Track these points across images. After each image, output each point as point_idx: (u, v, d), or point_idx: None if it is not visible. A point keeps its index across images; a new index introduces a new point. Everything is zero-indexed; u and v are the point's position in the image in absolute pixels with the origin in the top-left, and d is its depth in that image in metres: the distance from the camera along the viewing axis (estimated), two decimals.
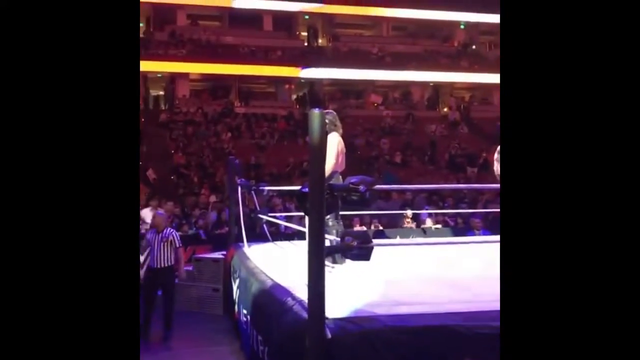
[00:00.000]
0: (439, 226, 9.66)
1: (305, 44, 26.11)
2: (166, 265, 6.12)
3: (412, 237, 7.95)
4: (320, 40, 26.53)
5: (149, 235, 6.27)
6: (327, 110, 4.94)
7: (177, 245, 6.24)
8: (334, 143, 4.54)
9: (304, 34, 26.59)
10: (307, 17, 26.20)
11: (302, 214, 4.89)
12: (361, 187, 3.00)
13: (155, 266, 6.12)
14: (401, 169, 17.79)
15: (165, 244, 6.11)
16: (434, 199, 12.43)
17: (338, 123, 4.79)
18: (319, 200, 2.67)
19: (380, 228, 9.26)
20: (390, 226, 9.66)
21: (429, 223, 10.00)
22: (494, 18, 26.84)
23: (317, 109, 2.69)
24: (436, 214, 10.17)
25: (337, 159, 4.58)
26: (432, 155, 19.43)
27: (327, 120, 4.86)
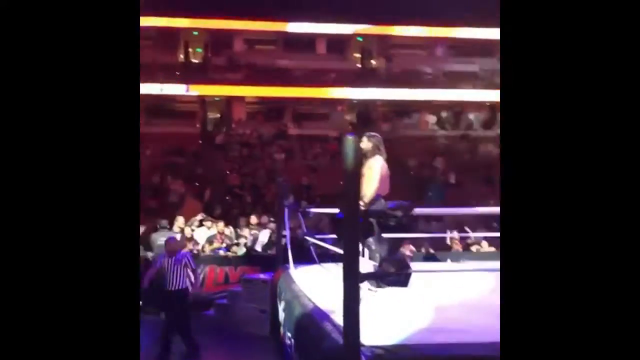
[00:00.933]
0: (492, 249, 9.38)
1: (359, 65, 26.26)
2: (179, 287, 6.38)
3: (462, 260, 7.75)
4: (373, 62, 26.62)
5: (160, 259, 6.57)
6: (371, 134, 4.95)
7: (192, 267, 6.65)
8: (378, 167, 4.53)
9: (358, 55, 26.77)
10: (360, 39, 26.39)
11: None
12: (398, 212, 2.97)
13: (169, 288, 6.34)
14: (456, 190, 17.45)
15: (179, 266, 6.40)
16: (489, 220, 12.07)
17: (382, 147, 4.77)
18: (352, 225, 2.66)
19: (432, 251, 9.09)
20: (442, 249, 9.47)
21: (484, 246, 9.73)
22: None
23: (351, 134, 2.70)
24: (489, 235, 9.88)
25: (380, 183, 4.55)
26: (487, 176, 18.97)
27: (371, 144, 4.88)
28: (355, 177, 2.67)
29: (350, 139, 2.67)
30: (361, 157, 2.70)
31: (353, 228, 2.67)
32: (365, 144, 4.64)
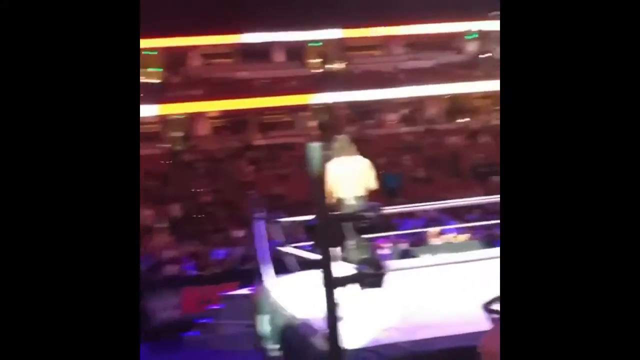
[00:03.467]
0: (465, 236, 9.47)
1: (318, 70, 26.39)
2: None
3: (437, 254, 7.83)
4: (332, 65, 26.79)
5: None
6: (339, 136, 5.02)
7: None
8: (329, 169, 4.58)
9: (316, 61, 26.90)
10: (317, 44, 26.54)
11: None
12: (369, 214, 3.00)
13: None
14: (425, 184, 17.67)
15: None
16: (460, 212, 12.27)
17: (349, 148, 4.81)
18: (323, 231, 2.67)
19: (406, 247, 9.15)
20: (418, 244, 9.54)
21: (458, 237, 9.84)
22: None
23: (315, 142, 2.71)
24: (464, 227, 10.01)
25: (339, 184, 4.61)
26: (455, 168, 19.27)
27: (337, 146, 4.90)
28: (321, 183, 2.68)
29: (314, 146, 2.69)
30: (324, 163, 2.71)
31: (324, 233, 2.68)
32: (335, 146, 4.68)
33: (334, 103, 24.65)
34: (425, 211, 12.08)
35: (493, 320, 0.65)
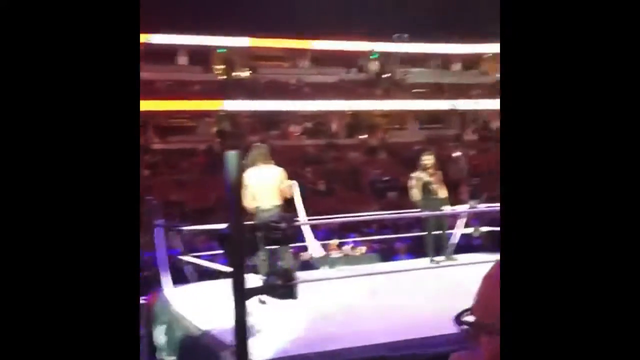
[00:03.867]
0: (363, 249, 9.73)
1: (223, 77, 26.10)
2: None
3: (338, 267, 7.97)
4: (238, 73, 26.60)
5: None
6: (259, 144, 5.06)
7: None
8: (246, 178, 4.54)
9: (221, 67, 26.59)
10: (223, 50, 26.25)
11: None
12: (282, 225, 2.99)
13: None
14: (326, 197, 17.96)
15: None
16: (359, 225, 12.58)
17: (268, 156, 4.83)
18: (237, 240, 2.62)
19: (307, 259, 9.22)
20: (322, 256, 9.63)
21: (356, 250, 10.06)
22: (405, 47, 28.07)
23: (232, 149, 2.67)
24: (363, 240, 10.28)
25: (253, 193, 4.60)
26: (354, 182, 19.79)
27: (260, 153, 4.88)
28: (237, 192, 2.63)
29: (232, 154, 2.64)
30: (241, 171, 2.68)
31: (238, 243, 2.63)
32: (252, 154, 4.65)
33: (238, 111, 24.45)
34: (326, 223, 12.25)
35: (463, 332, 0.65)
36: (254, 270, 4.31)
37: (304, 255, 8.05)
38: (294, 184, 5.01)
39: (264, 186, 4.61)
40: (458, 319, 0.66)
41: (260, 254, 4.58)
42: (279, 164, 5.02)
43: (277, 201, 4.55)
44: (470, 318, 0.65)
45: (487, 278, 0.67)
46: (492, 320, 0.63)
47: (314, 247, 5.36)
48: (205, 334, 3.64)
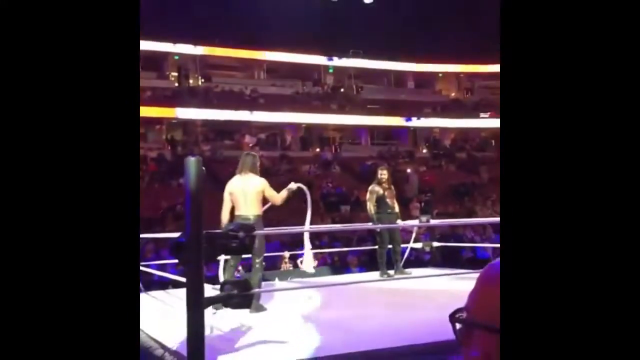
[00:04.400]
0: (315, 263, 9.74)
1: (176, 84, 25.73)
2: None
3: (290, 279, 7.94)
4: (191, 81, 26.27)
5: None
6: (250, 152, 5.13)
7: None
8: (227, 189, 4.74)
9: (175, 74, 26.21)
10: (177, 57, 25.90)
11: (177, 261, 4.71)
12: (240, 234, 2.95)
13: None
14: (279, 209, 17.88)
15: None
16: (310, 237, 12.56)
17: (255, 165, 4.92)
18: (196, 249, 2.57)
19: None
20: (270, 268, 9.58)
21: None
22: (361, 62, 28.49)
23: (193, 155, 2.62)
24: (314, 253, 10.28)
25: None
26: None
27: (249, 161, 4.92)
28: (198, 199, 2.59)
29: (192, 159, 2.60)
30: (204, 178, 2.64)
31: (197, 252, 2.59)
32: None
33: (191, 119, 24.11)
34: (278, 235, 12.19)
35: (457, 331, 0.66)
36: (207, 280, 4.25)
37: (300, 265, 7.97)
38: (300, 187, 5.22)
39: (245, 195, 4.63)
40: (452, 317, 0.68)
41: (230, 260, 4.62)
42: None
43: (257, 211, 4.61)
44: (463, 316, 0.67)
45: (482, 278, 0.68)
46: (485, 318, 0.64)
47: (308, 261, 5.43)
48: (154, 344, 3.55)
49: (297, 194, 5.24)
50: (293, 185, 5.02)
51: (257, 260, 4.57)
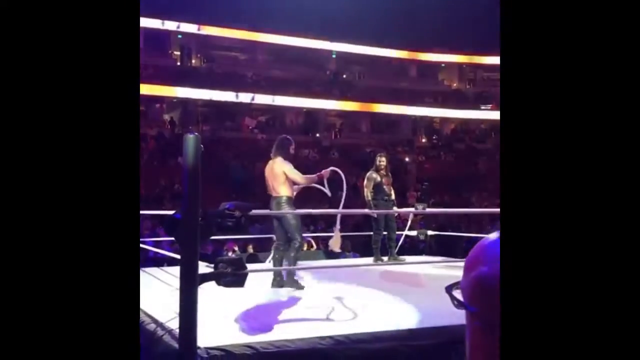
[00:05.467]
0: (312, 249, 9.81)
1: (178, 63, 25.60)
2: None
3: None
4: (194, 61, 26.15)
5: None
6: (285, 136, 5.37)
7: None
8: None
9: (177, 53, 26.07)
10: (180, 36, 25.74)
11: (172, 239, 4.75)
12: (237, 213, 2.97)
13: None
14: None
15: None
16: (307, 222, 12.63)
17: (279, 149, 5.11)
18: (192, 226, 2.60)
19: (252, 252, 9.20)
20: (265, 249, 9.64)
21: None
22: (364, 49, 28.35)
23: (192, 132, 2.64)
24: (310, 236, 10.34)
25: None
26: None
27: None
28: (196, 177, 2.61)
29: (191, 137, 2.61)
30: (200, 155, 2.66)
31: (193, 229, 2.61)
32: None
33: (191, 98, 24.04)
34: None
35: (456, 305, 0.68)
36: (205, 257, 4.30)
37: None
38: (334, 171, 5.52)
39: (273, 177, 4.96)
40: (449, 289, 0.70)
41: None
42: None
43: (287, 192, 4.89)
44: (457, 293, 0.69)
45: (468, 259, 0.70)
46: (467, 301, 0.67)
47: (336, 240, 5.71)
48: (147, 319, 3.59)
49: (334, 178, 5.57)
50: (327, 171, 5.39)
51: (295, 239, 4.87)
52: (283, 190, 4.92)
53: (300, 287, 4.82)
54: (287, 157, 5.08)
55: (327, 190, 5.47)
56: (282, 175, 4.92)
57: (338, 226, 5.78)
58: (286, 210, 4.86)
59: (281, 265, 4.99)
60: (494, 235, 0.70)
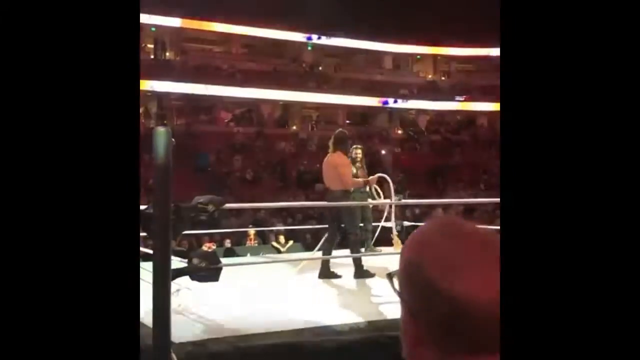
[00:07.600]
0: (290, 242, 9.79)
1: (152, 56, 25.24)
2: None
3: (263, 254, 7.97)
4: (167, 54, 25.81)
5: None
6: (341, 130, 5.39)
7: None
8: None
9: (150, 46, 25.69)
10: (153, 29, 25.37)
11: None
12: (210, 207, 2.95)
13: None
14: (253, 186, 17.85)
15: None
16: (284, 215, 12.62)
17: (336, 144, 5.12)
18: (164, 221, 2.56)
19: (229, 246, 9.16)
20: (241, 243, 9.61)
21: (281, 240, 10.12)
22: (340, 41, 28.31)
23: (163, 126, 2.60)
24: (286, 229, 10.33)
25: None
26: (282, 172, 19.78)
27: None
28: (166, 171, 2.58)
29: (161, 130, 2.57)
30: (171, 149, 2.62)
31: (165, 223, 2.58)
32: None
33: (165, 92, 23.74)
34: (255, 211, 12.19)
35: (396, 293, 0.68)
36: (178, 252, 4.26)
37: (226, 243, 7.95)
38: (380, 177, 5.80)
39: (327, 171, 5.02)
40: (389, 276, 0.70)
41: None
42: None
43: (341, 186, 4.91)
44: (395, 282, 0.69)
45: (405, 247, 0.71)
46: (399, 288, 0.67)
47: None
48: None
49: (382, 182, 5.89)
50: (374, 178, 5.66)
51: (352, 232, 4.89)
52: (338, 185, 4.92)
53: (338, 276, 4.85)
54: (341, 151, 5.09)
55: (375, 195, 5.57)
56: (336, 169, 4.94)
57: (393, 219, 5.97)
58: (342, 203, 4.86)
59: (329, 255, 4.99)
60: (425, 223, 0.71)
